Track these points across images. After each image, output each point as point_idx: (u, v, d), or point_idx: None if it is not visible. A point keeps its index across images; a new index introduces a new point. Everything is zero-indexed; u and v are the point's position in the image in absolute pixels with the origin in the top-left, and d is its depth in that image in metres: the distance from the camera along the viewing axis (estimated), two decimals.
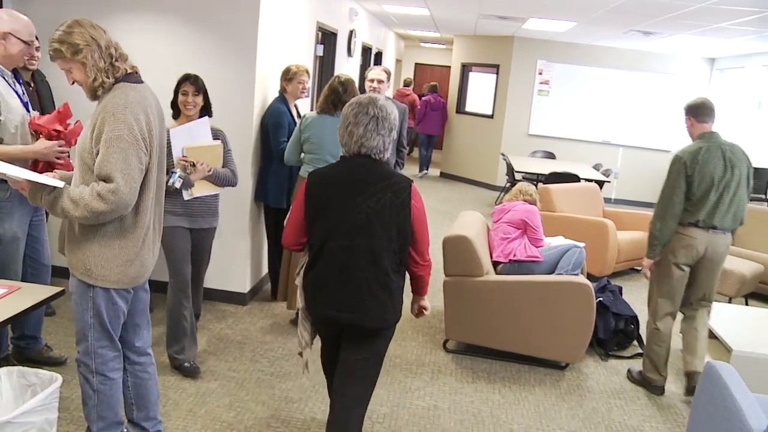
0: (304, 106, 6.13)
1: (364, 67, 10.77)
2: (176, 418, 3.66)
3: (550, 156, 11.69)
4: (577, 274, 5.02)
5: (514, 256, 4.99)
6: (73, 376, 3.89)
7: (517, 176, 10.00)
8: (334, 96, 4.67)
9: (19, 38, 3.48)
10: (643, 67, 12.04)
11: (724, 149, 4.27)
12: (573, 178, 8.68)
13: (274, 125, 5.11)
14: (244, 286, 5.37)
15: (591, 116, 12.24)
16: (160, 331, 4.49)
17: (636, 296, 6.68)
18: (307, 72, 5.21)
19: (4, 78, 3.53)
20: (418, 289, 3.14)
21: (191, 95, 4.09)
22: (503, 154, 11.14)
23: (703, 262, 4.38)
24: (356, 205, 2.77)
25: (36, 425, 2.74)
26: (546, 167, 9.65)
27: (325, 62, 8.35)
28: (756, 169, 8.94)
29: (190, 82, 4.09)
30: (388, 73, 5.76)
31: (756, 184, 8.92)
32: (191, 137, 4.06)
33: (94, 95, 2.71)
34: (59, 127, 3.56)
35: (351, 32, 9.32)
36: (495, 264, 5.09)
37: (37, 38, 3.87)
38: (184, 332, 4.18)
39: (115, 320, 2.88)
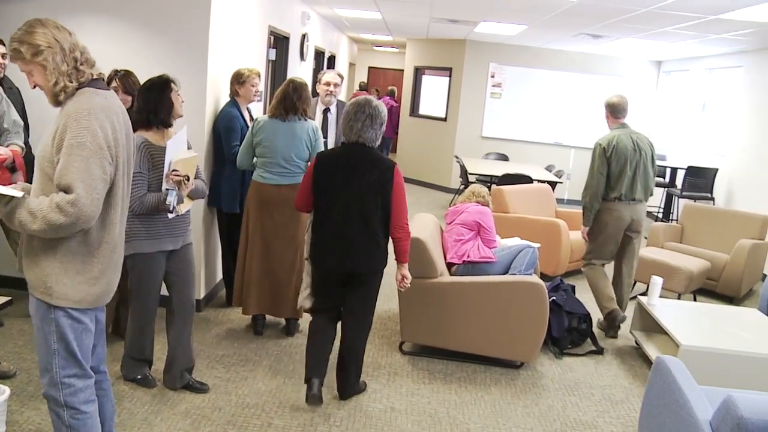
0: (256, 109, 6.09)
1: (317, 70, 10.72)
2: (131, 427, 3.60)
3: (503, 158, 11.81)
4: (530, 274, 5.08)
5: (468, 257, 5.03)
6: (23, 389, 3.82)
7: (471, 178, 10.07)
8: (287, 101, 4.64)
9: None
10: (592, 70, 12.26)
11: (632, 136, 5.48)
12: (526, 179, 8.78)
13: (226, 129, 5.06)
14: (199, 293, 5.31)
15: (543, 118, 12.42)
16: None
17: (589, 295, 6.77)
18: (259, 75, 5.19)
19: None
20: (399, 255, 3.90)
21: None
22: (457, 157, 11.22)
23: (630, 227, 5.54)
24: (353, 181, 3.70)
25: None
26: (499, 169, 9.74)
27: (278, 66, 8.31)
28: (699, 168, 9.21)
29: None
30: (342, 77, 5.79)
31: (700, 183, 9.17)
32: (177, 149, 3.63)
33: (56, 101, 2.51)
34: None
35: (303, 36, 9.29)
36: (449, 265, 5.13)
37: (2, 44, 3.78)
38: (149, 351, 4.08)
39: (82, 343, 2.63)
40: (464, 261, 5.04)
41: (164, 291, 3.99)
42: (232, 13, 5.49)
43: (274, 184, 4.68)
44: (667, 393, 3.33)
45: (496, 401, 4.34)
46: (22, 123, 4.21)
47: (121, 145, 2.56)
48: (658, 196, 11.32)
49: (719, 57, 10.17)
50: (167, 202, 3.51)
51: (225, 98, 5.35)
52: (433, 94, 13.45)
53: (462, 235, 5.15)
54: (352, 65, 18.71)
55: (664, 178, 10.69)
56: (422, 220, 5.23)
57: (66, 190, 2.37)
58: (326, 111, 5.71)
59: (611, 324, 5.59)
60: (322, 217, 3.83)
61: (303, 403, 4.03)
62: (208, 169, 5.24)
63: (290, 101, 4.63)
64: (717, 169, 9.24)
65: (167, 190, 3.54)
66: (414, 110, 13.63)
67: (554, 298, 5.27)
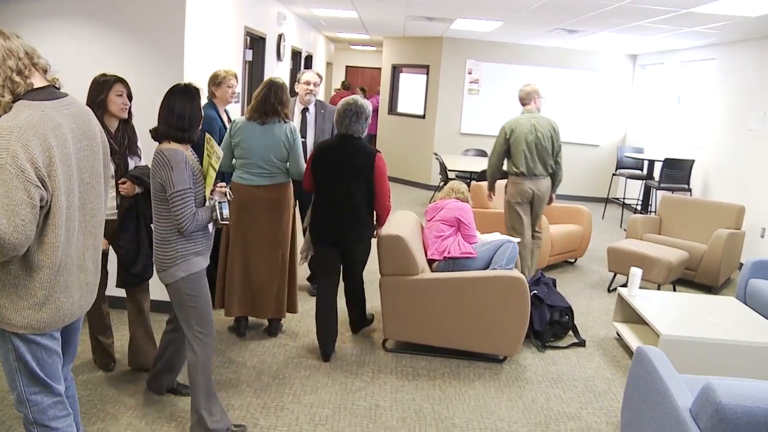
0: (234, 111, 6.07)
1: (294, 71, 10.73)
2: None
3: (482, 154, 11.84)
4: (511, 269, 5.11)
5: (449, 253, 5.05)
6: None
7: (451, 175, 10.11)
8: (267, 104, 4.61)
9: None
10: (569, 65, 12.34)
11: (532, 120, 6.25)
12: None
13: (205, 131, 5.03)
14: None
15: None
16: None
17: (570, 288, 6.85)
18: (235, 76, 5.16)
19: None
20: (380, 224, 4.77)
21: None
22: (436, 154, 11.24)
23: (534, 199, 6.29)
24: (342, 165, 4.45)
25: None
26: (478, 165, 9.78)
27: (255, 67, 8.29)
28: (676, 160, 9.31)
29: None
30: (320, 77, 5.79)
31: (677, 175, 9.26)
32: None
33: None
34: None
35: (280, 36, 9.28)
36: (430, 262, 5.15)
37: None
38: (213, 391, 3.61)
39: (44, 363, 2.49)
40: (445, 257, 5.06)
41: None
42: (207, 15, 5.47)
43: (254, 185, 4.67)
44: (648, 382, 3.37)
45: (480, 395, 4.36)
46: None
47: (57, 162, 2.31)
48: (636, 189, 11.43)
49: (693, 50, 10.28)
50: (224, 215, 3.38)
51: (202, 101, 5.32)
52: (411, 91, 13.46)
53: (442, 232, 5.17)
54: (329, 64, 18.71)
55: (641, 170, 10.79)
56: (402, 218, 5.24)
57: None
58: (305, 111, 5.70)
59: None
60: (318, 195, 4.57)
61: (288, 403, 4.03)
62: None
63: (270, 105, 4.61)
64: (693, 161, 9.34)
65: (219, 202, 3.39)
66: (392, 108, 13.64)
67: (535, 291, 5.32)
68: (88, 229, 2.57)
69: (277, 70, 9.21)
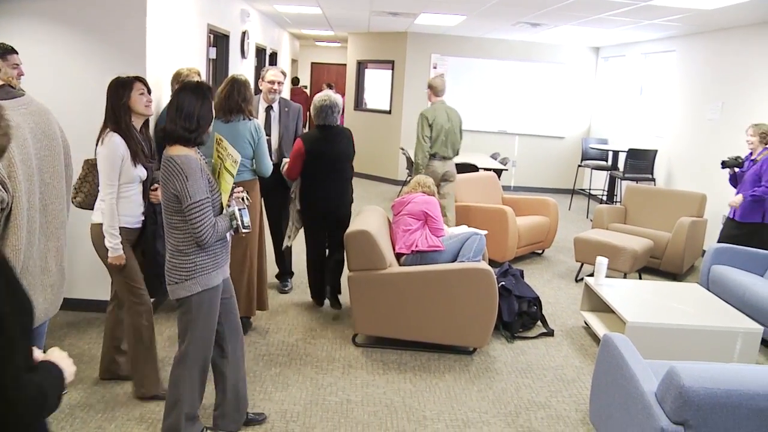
0: None
1: (258, 68, 10.66)
2: None
3: None
4: (478, 261, 5.15)
5: (416, 246, 5.07)
6: None
7: None
8: (231, 102, 4.59)
9: None
10: (533, 58, 12.44)
11: (446, 110, 7.03)
12: (472, 168, 8.88)
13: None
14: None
15: (486, 107, 12.55)
16: None
17: (538, 279, 6.92)
18: (198, 74, 5.12)
19: None
20: None
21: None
22: (402, 149, 11.27)
23: (444, 177, 7.03)
24: (331, 149, 5.25)
25: None
26: None
27: (219, 65, 8.23)
28: (640, 151, 9.45)
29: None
30: (285, 74, 5.77)
31: (641, 165, 9.41)
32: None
33: None
34: None
35: (244, 33, 9.22)
36: (398, 256, 5.16)
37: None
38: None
39: None
40: (413, 251, 5.08)
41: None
42: (169, 13, 5.41)
43: None
44: (615, 368, 3.43)
45: (451, 387, 4.39)
46: None
47: (18, 163, 2.28)
48: (601, 179, 11.57)
49: (653, 42, 10.43)
50: (245, 223, 3.22)
51: (166, 100, 5.28)
52: (377, 87, 13.47)
53: (409, 226, 5.19)
54: (294, 61, 18.62)
55: (606, 161, 10.92)
56: (370, 213, 5.25)
57: None
58: (269, 109, 5.67)
59: None
60: (313, 179, 5.27)
61: (259, 401, 4.02)
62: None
63: (234, 102, 4.59)
64: (656, 151, 9.49)
65: (239, 209, 3.23)
66: (358, 104, 13.64)
67: (503, 283, 5.36)
68: (50, 230, 2.53)
69: (242, 67, 9.14)
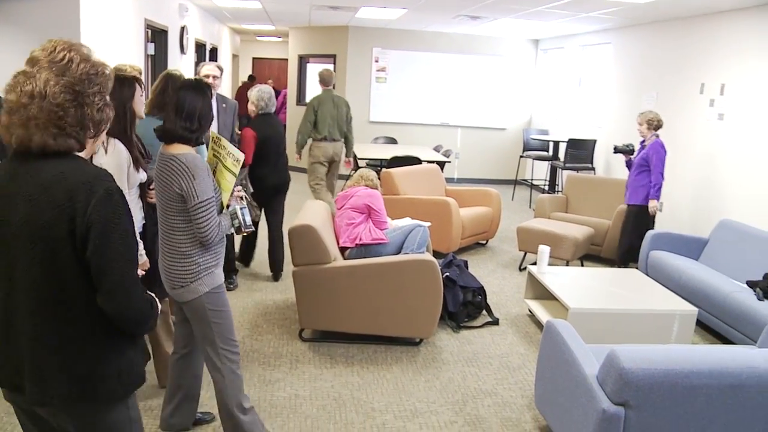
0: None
1: (198, 64, 10.50)
2: None
3: (392, 141, 11.94)
4: (422, 252, 5.17)
5: (360, 240, 5.07)
6: None
7: (361, 163, 10.12)
8: (165, 97, 4.47)
9: None
10: (474, 51, 12.54)
11: (333, 98, 7.88)
12: (415, 161, 8.91)
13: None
14: None
15: (429, 100, 12.61)
16: None
17: (482, 269, 6.99)
18: (140, 72, 5.00)
19: None
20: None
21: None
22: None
23: (332, 158, 7.91)
24: (275, 132, 5.97)
25: None
26: (388, 152, 9.83)
27: (158, 60, 8.09)
28: (579, 141, 9.63)
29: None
30: (221, 69, 5.69)
31: (581, 154, 9.58)
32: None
33: None
34: None
35: (183, 29, 9.08)
36: (342, 250, 5.15)
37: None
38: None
39: None
40: (357, 244, 5.08)
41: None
42: (104, 8, 5.28)
43: None
44: (558, 353, 3.49)
45: (398, 379, 4.41)
46: None
47: None
48: (543, 170, 11.75)
49: (590, 34, 10.63)
50: (247, 222, 3.19)
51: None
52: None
53: (353, 219, 5.18)
54: (235, 57, 18.40)
55: (547, 151, 11.10)
56: (313, 208, 5.23)
57: None
58: None
59: None
60: (266, 161, 5.88)
61: (207, 399, 3.96)
62: None
63: (168, 97, 4.49)
64: (595, 140, 9.68)
65: (241, 209, 3.19)
66: (300, 99, 13.55)
67: (447, 273, 5.40)
68: None
69: (181, 63, 9.00)
